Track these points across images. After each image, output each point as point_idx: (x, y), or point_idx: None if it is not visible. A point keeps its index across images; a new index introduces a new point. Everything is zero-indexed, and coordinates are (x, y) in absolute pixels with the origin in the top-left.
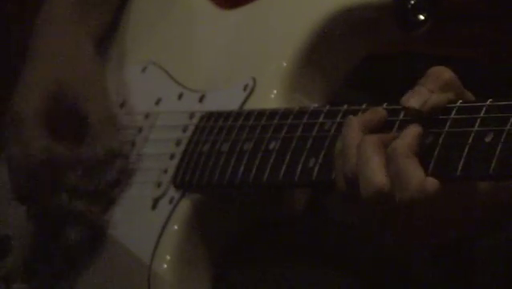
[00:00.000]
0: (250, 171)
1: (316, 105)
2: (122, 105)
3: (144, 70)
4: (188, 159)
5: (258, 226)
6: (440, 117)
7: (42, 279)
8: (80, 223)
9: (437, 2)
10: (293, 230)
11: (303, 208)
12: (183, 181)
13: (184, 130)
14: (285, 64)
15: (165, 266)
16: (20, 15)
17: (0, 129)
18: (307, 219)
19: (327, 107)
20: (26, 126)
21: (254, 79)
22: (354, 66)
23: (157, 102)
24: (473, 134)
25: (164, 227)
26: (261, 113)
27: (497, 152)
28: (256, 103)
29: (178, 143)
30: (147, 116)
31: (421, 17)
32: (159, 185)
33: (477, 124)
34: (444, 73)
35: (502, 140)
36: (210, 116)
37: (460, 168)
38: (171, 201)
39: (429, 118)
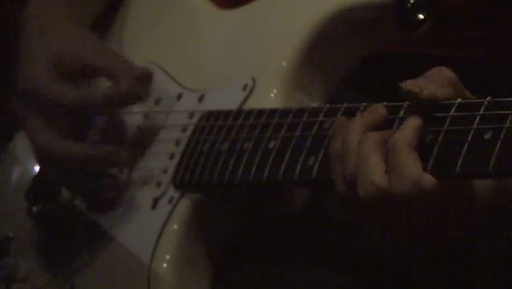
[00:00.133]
0: (250, 170)
1: (316, 104)
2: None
3: None
4: (187, 159)
5: (258, 226)
6: (440, 115)
7: (42, 279)
8: (80, 223)
9: (437, 1)
10: (292, 230)
11: (303, 207)
12: (182, 181)
13: (184, 130)
14: (284, 64)
15: (165, 265)
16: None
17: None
18: (307, 219)
19: (327, 106)
20: (42, 86)
21: (254, 79)
22: (354, 65)
23: (157, 102)
24: (472, 131)
25: (163, 227)
26: (260, 112)
27: (497, 149)
28: (255, 103)
29: (178, 143)
30: (146, 115)
31: (421, 16)
32: (158, 184)
33: (476, 122)
34: (444, 73)
35: (501, 137)
36: (210, 116)
37: (459, 165)
38: (170, 201)
39: (428, 114)
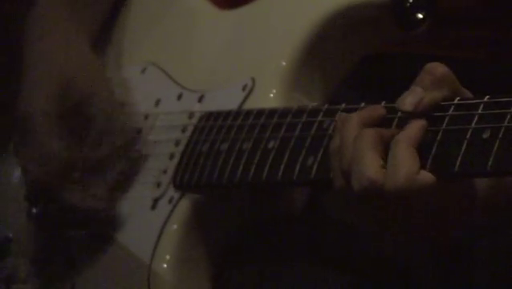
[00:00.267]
0: (249, 170)
1: (315, 104)
2: (121, 106)
3: (143, 71)
4: (187, 159)
5: (258, 226)
6: (438, 114)
7: (42, 280)
8: (81, 223)
9: (436, 0)
10: (292, 230)
11: (302, 207)
12: (182, 181)
13: (184, 130)
14: (284, 64)
15: (165, 265)
16: (19, 15)
17: (3, 129)
18: (306, 218)
19: (326, 106)
20: (38, 127)
21: (253, 79)
22: (353, 65)
23: (157, 103)
24: (470, 131)
25: (163, 227)
26: (260, 112)
27: (495, 148)
28: (255, 103)
29: (177, 143)
30: (146, 116)
31: (420, 15)
32: (158, 185)
33: (474, 121)
34: (437, 68)
35: (500, 136)
36: (209, 116)
37: (458, 164)
38: (170, 201)
39: (427, 115)
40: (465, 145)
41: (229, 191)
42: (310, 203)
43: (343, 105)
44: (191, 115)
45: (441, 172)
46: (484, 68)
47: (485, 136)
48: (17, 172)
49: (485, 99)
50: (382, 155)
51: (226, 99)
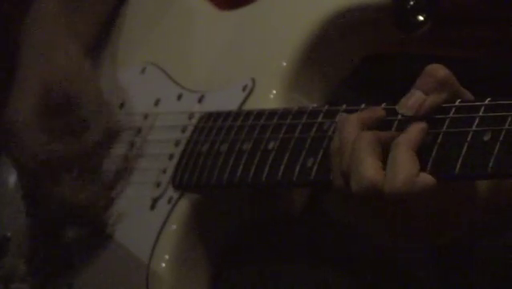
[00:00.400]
0: (249, 171)
1: (315, 105)
2: (121, 106)
3: (143, 71)
4: (186, 159)
5: (257, 226)
6: (439, 117)
7: (40, 279)
8: (79, 223)
9: (436, 2)
10: (291, 230)
11: (302, 208)
12: (182, 181)
13: (183, 130)
14: (284, 64)
15: (164, 265)
16: (19, 15)
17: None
18: (306, 219)
19: (326, 107)
20: (22, 133)
21: (253, 80)
22: (353, 66)
23: (156, 103)
24: (471, 133)
25: (162, 227)
26: (260, 113)
27: (496, 150)
28: (255, 104)
29: (177, 143)
30: (146, 116)
31: (421, 18)
32: (158, 185)
33: (475, 124)
34: (439, 71)
35: (500, 139)
36: (209, 117)
37: (458, 166)
38: (169, 201)
39: (427, 118)
40: (465, 148)
41: (228, 191)
42: (310, 204)
43: (344, 106)
44: (191, 115)
45: (442, 175)
46: (484, 68)
47: (485, 138)
48: (14, 172)
49: (486, 101)
50: (381, 157)
51: (226, 100)
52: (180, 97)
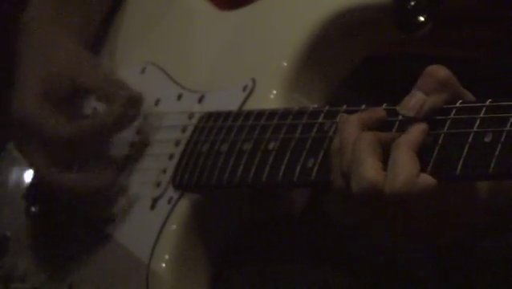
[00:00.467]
0: (249, 171)
1: (315, 105)
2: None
3: (143, 71)
4: (187, 159)
5: (257, 226)
6: (440, 118)
7: (40, 279)
8: (79, 222)
9: (437, 3)
10: (291, 230)
11: (302, 208)
12: (182, 181)
13: (184, 130)
14: (285, 64)
15: (164, 265)
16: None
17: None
18: (306, 219)
19: (327, 107)
20: (36, 118)
21: (254, 80)
22: (353, 66)
23: (156, 102)
24: (472, 134)
25: (162, 227)
26: (260, 113)
27: (497, 152)
28: (255, 104)
29: (177, 143)
30: (146, 116)
31: (421, 18)
32: (158, 184)
33: (476, 125)
34: (439, 71)
35: (502, 140)
36: (209, 117)
37: (459, 167)
38: (170, 201)
39: (428, 118)
40: (466, 148)
41: (228, 191)
42: (310, 204)
43: (344, 107)
44: (191, 115)
45: (443, 176)
46: (484, 68)
47: (487, 139)
48: (15, 172)
49: (487, 102)
50: (381, 158)
51: (226, 100)
52: (180, 97)
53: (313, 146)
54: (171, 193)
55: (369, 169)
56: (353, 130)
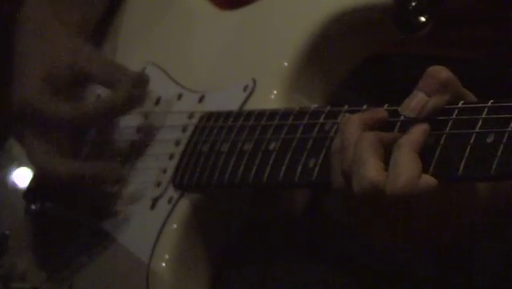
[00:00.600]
0: (250, 171)
1: (316, 106)
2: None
3: (143, 70)
4: (187, 159)
5: (258, 226)
6: (442, 118)
7: (40, 278)
8: (79, 222)
9: (438, 3)
10: (292, 230)
11: (303, 208)
12: (182, 181)
13: (184, 130)
14: (285, 65)
15: (164, 265)
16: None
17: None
18: (306, 219)
19: (328, 107)
20: (37, 104)
21: (254, 80)
22: (354, 66)
23: (157, 102)
24: (474, 135)
25: (162, 227)
26: (261, 113)
27: (499, 152)
28: (256, 104)
29: (177, 143)
30: (146, 115)
31: (422, 19)
32: (158, 184)
33: (478, 125)
34: (441, 72)
35: (504, 140)
36: (210, 116)
37: (461, 168)
38: (170, 201)
39: (430, 119)
40: (468, 149)
41: (229, 191)
42: (311, 204)
43: (346, 107)
44: (191, 115)
45: (445, 177)
46: (484, 68)
47: (489, 140)
48: (14, 170)
49: (489, 103)
50: (383, 158)
51: (227, 100)
52: (180, 97)
53: (314, 146)
54: (171, 192)
55: (371, 170)
56: (355, 130)
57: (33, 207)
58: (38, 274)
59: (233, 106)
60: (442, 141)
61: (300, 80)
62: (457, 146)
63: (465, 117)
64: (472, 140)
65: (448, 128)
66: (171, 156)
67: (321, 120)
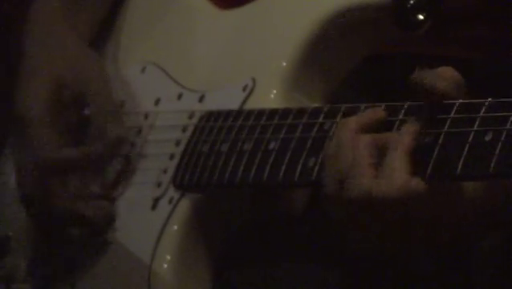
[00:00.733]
0: (250, 171)
1: (316, 105)
2: (121, 105)
3: (143, 70)
4: (187, 159)
5: (258, 226)
6: (440, 117)
7: (42, 279)
8: (80, 223)
9: (437, 1)
10: (292, 230)
11: (303, 207)
12: (182, 181)
13: (184, 130)
14: (284, 64)
15: (165, 265)
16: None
17: (1, 130)
18: (306, 219)
19: (327, 107)
20: (33, 130)
21: (254, 80)
22: (353, 66)
23: (157, 102)
24: (472, 133)
25: (163, 227)
26: (260, 113)
27: (497, 150)
28: (255, 104)
29: (178, 143)
30: (146, 116)
31: (421, 17)
32: (159, 185)
33: (476, 124)
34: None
35: (502, 139)
36: (210, 116)
37: (460, 167)
38: (170, 201)
39: (429, 116)
40: (467, 148)
41: (229, 191)
42: (310, 204)
43: (344, 106)
44: (191, 115)
45: (443, 175)
46: (483, 68)
47: (487, 138)
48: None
49: (488, 101)
50: (377, 160)
51: (227, 100)
52: (180, 96)
53: (313, 146)
54: (172, 193)
55: (365, 177)
56: (350, 134)
57: (33, 210)
58: (40, 276)
59: (233, 105)
60: (441, 140)
61: (300, 80)
62: (456, 145)
63: (463, 115)
64: (470, 139)
65: (446, 127)
66: (171, 157)
67: (320, 119)
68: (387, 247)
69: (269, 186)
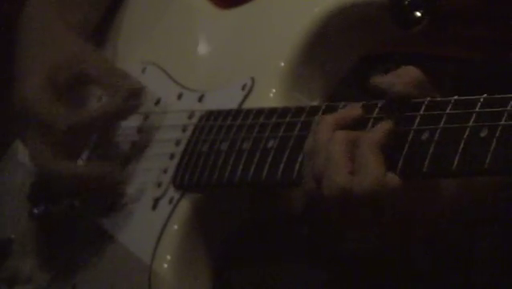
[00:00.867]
0: (249, 170)
1: (314, 104)
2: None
3: (143, 70)
4: (187, 159)
5: (258, 226)
6: (436, 113)
7: (44, 281)
8: (81, 224)
9: None
10: (292, 230)
11: (302, 207)
12: (183, 181)
13: (184, 130)
14: (283, 63)
15: (166, 265)
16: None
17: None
18: (306, 218)
19: (325, 105)
20: (39, 109)
21: (253, 79)
22: (352, 64)
23: (157, 102)
24: (468, 129)
25: (164, 227)
26: (259, 112)
27: (492, 146)
28: (255, 103)
29: (178, 143)
30: (146, 116)
31: (418, 14)
32: (159, 185)
33: (472, 120)
34: (412, 72)
35: (497, 134)
36: (209, 116)
37: (455, 163)
38: (171, 201)
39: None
40: (462, 144)
41: (229, 191)
42: (310, 203)
43: (342, 104)
44: (191, 114)
45: (439, 172)
46: (483, 68)
47: (482, 134)
48: (19, 174)
49: (483, 97)
50: (353, 158)
51: (226, 99)
52: (180, 96)
53: None
54: (172, 193)
55: (340, 174)
56: (327, 131)
57: (35, 210)
58: (42, 277)
59: (232, 105)
60: (436, 136)
61: (299, 78)
62: (451, 141)
63: (458, 111)
64: (465, 135)
65: (442, 123)
66: (171, 156)
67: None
68: (369, 244)
69: (268, 185)
